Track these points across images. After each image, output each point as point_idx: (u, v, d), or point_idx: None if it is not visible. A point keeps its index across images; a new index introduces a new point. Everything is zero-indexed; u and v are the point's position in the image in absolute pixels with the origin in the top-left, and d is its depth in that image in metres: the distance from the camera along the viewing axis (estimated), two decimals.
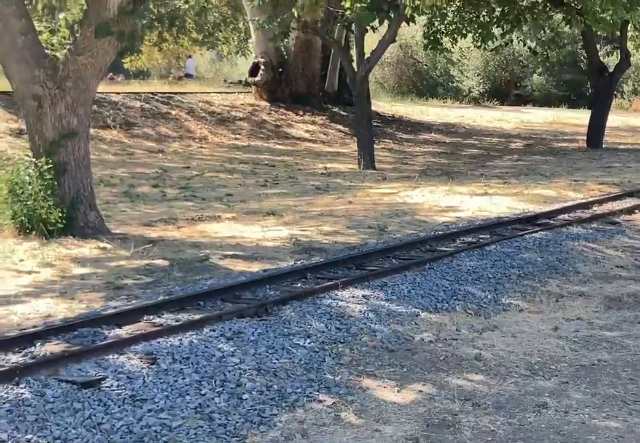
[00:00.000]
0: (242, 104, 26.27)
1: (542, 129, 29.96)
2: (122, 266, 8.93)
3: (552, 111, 36.10)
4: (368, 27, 18.74)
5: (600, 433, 5.07)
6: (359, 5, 17.15)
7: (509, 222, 11.16)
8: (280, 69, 26.65)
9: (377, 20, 17.94)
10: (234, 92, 28.04)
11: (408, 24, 19.18)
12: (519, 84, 42.57)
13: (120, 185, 15.47)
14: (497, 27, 22.42)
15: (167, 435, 4.88)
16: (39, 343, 5.97)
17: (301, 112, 26.24)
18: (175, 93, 25.98)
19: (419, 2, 15.75)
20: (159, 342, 6.01)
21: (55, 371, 5.45)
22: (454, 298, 7.87)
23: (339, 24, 20.23)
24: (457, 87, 42.53)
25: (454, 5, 21.75)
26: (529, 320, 7.42)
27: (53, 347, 5.93)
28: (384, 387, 5.74)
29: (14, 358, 5.72)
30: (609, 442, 4.96)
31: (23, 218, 10.04)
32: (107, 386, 5.32)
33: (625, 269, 9.22)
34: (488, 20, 22.17)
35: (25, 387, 5.17)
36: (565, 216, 11.79)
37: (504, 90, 42.13)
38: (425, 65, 42.60)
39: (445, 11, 21.41)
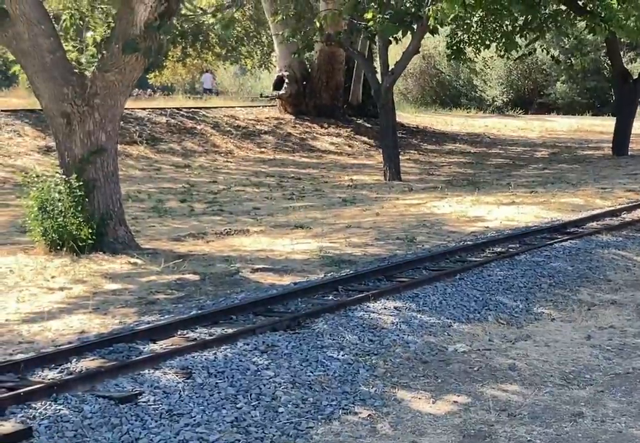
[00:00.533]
0: (267, 118, 26.41)
1: (566, 137, 29.89)
2: (153, 281, 8.97)
3: (576, 118, 36.02)
4: (391, 39, 18.79)
5: (637, 442, 5.04)
6: (381, 16, 17.25)
7: (537, 231, 11.15)
8: (305, 82, 26.79)
9: (400, 32, 18.04)
10: (259, 106, 28.23)
11: (433, 35, 19.22)
12: (542, 93, 42.48)
13: (148, 200, 15.59)
14: (520, 36, 22.40)
15: None
16: (74, 359, 6.01)
17: (326, 125, 26.34)
18: (200, 108, 26.18)
19: (440, 14, 15.80)
20: (193, 356, 6.03)
21: (92, 387, 5.48)
22: (486, 308, 7.85)
23: (362, 36, 20.29)
24: (480, 97, 42.54)
25: (477, 16, 21.71)
26: (562, 329, 7.38)
27: (89, 363, 5.96)
28: (419, 398, 5.73)
29: (51, 375, 5.76)
30: None
31: (54, 234, 10.13)
32: (143, 401, 5.33)
33: None
34: (511, 29, 22.13)
35: (63, 403, 5.20)
36: (594, 224, 11.78)
37: (528, 99, 42.07)
38: (448, 75, 42.64)
39: (468, 21, 21.45)
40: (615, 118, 24.68)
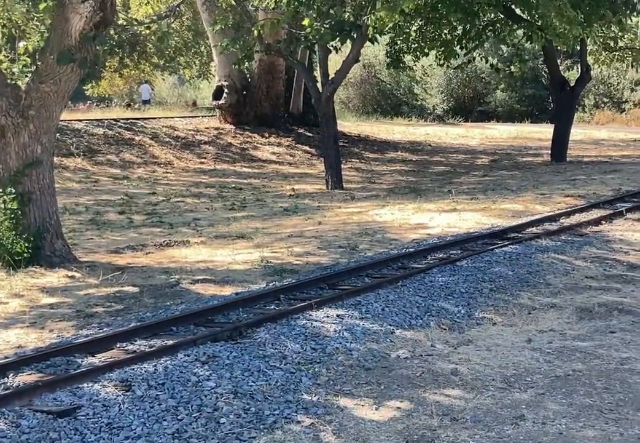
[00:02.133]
0: (207, 128, 26.36)
1: (506, 145, 30.27)
2: (91, 294, 8.89)
3: (515, 126, 36.54)
4: (331, 48, 18.89)
5: (578, 442, 5.12)
6: (319, 24, 17.33)
7: (478, 237, 11.24)
8: (244, 92, 26.80)
9: (339, 41, 18.13)
10: (198, 116, 28.15)
11: (372, 43, 19.36)
12: (482, 101, 43.07)
13: (86, 213, 15.44)
14: (458, 45, 22.66)
15: None
16: (11, 374, 5.95)
17: (267, 135, 26.36)
18: (138, 119, 26.05)
19: (379, 23, 15.94)
20: (133, 369, 5.98)
21: (30, 401, 5.43)
22: (428, 314, 7.88)
23: (301, 46, 20.35)
24: (421, 105, 42.97)
25: (416, 25, 21.94)
26: (503, 333, 7.43)
27: (26, 377, 5.91)
28: (362, 405, 5.74)
29: None
30: None
31: None
32: (83, 415, 5.28)
33: (595, 280, 9.27)
34: (450, 38, 22.38)
35: (1, 419, 5.14)
36: (534, 229, 11.90)
37: (468, 107, 42.61)
38: (389, 84, 42.99)
39: (407, 30, 21.65)
40: (553, 125, 25.04)
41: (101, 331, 7.21)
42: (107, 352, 6.48)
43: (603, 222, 12.49)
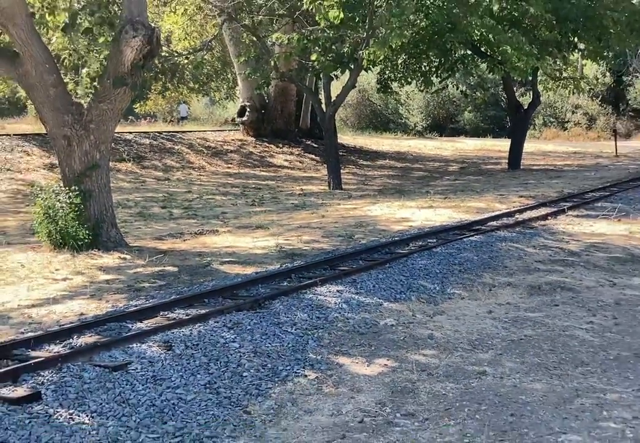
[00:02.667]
0: (233, 140, 26.25)
1: (472, 155, 30.15)
2: (139, 273, 8.88)
3: (480, 140, 36.40)
4: (333, 76, 18.86)
5: (528, 393, 5.12)
6: (323, 58, 17.30)
7: (450, 229, 11.17)
8: (263, 111, 26.70)
9: (340, 71, 18.09)
10: (226, 130, 28.03)
11: (367, 71, 19.29)
12: (453, 119, 42.92)
13: (135, 207, 15.38)
14: (435, 75, 22.62)
15: (183, 407, 4.86)
16: (75, 336, 5.95)
17: (281, 145, 26.26)
18: (177, 132, 25.96)
19: (373, 56, 15.91)
20: (173, 332, 5.99)
21: (90, 358, 5.43)
22: (410, 290, 7.86)
23: (309, 74, 20.30)
24: (405, 123, 42.80)
25: (401, 58, 21.88)
26: (469, 305, 7.43)
27: (87, 339, 5.91)
28: (357, 363, 5.75)
29: (56, 348, 5.70)
30: (535, 399, 5.01)
31: (57, 235, 9.96)
32: (133, 369, 5.30)
33: (543, 264, 9.24)
34: (428, 69, 22.31)
35: (66, 371, 5.15)
36: (494, 223, 11.82)
37: (442, 124, 42.44)
38: (379, 106, 42.80)
39: (394, 62, 21.59)
40: (510, 140, 24.97)
41: (147, 302, 7.19)
42: (152, 319, 6.46)
43: (549, 217, 12.44)
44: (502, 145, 29.36)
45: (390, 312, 7.10)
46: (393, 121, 42.92)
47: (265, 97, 26.81)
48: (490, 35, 17.58)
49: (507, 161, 24.56)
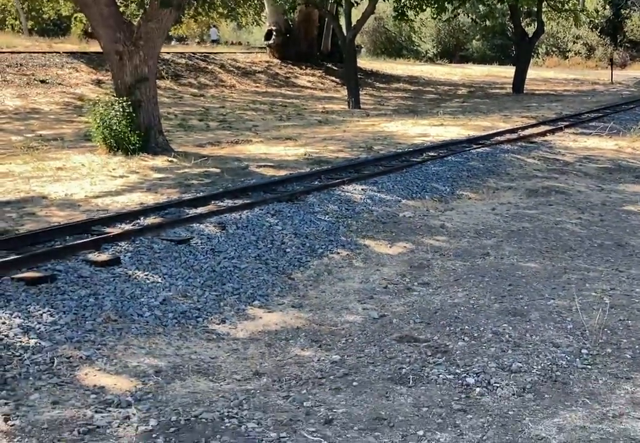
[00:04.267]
0: (260, 61, 26.04)
1: (480, 80, 29.80)
2: (187, 173, 9.17)
3: (487, 67, 35.81)
4: (353, 2, 18.61)
5: (524, 269, 5.59)
6: None
7: (459, 142, 11.37)
8: (288, 35, 26.31)
9: None
10: (253, 52, 27.76)
11: (385, 1, 19.01)
12: (462, 47, 42.10)
13: (175, 119, 15.54)
14: (448, 3, 22.15)
15: (238, 273, 5.36)
16: (142, 217, 6.35)
17: (304, 67, 26.04)
18: (210, 53, 25.74)
19: None
20: (225, 216, 6.40)
21: (158, 234, 5.86)
22: (424, 190, 8.20)
23: (331, 0, 20.00)
24: (417, 50, 42.05)
25: None
26: (475, 204, 7.81)
27: (153, 220, 6.31)
28: (380, 245, 6.20)
29: (127, 227, 6.11)
30: (529, 274, 5.47)
31: (111, 140, 10.25)
32: (194, 243, 5.75)
33: (540, 172, 9.55)
34: None
35: (139, 243, 5.60)
36: (499, 138, 12.00)
37: (452, 51, 41.67)
38: (394, 33, 41.98)
39: None
40: (515, 67, 24.70)
41: (199, 194, 7.52)
42: (205, 206, 6.83)
43: (548, 134, 12.62)
44: (508, 72, 28.98)
45: (408, 207, 7.48)
46: (406, 48, 42.16)
47: (290, 22, 26.43)
48: None
49: (511, 86, 24.38)
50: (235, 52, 26.96)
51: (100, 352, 3.98)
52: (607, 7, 38.79)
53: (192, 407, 3.47)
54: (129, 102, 10.26)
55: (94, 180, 8.55)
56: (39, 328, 4.11)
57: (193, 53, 24.71)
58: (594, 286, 5.21)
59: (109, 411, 3.37)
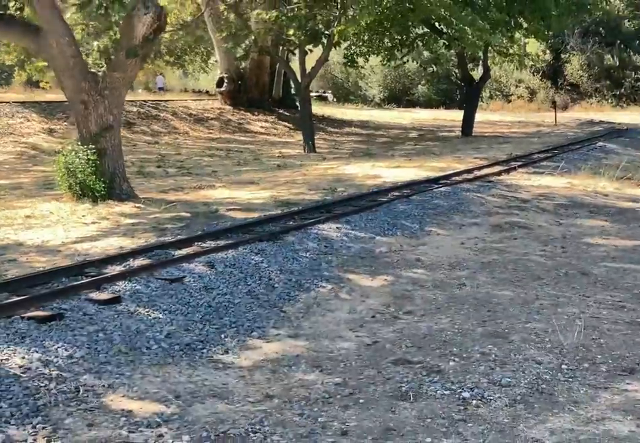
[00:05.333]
0: (212, 108, 26.66)
1: (429, 124, 30.96)
2: (158, 217, 9.41)
3: (433, 111, 37.26)
4: (307, 50, 19.49)
5: (499, 297, 6.14)
6: (299, 33, 17.95)
7: (421, 182, 11.98)
8: (239, 82, 27.09)
9: (314, 45, 18.74)
10: (205, 99, 28.40)
11: (335, 48, 19.93)
12: (408, 92, 43.76)
13: (133, 166, 15.68)
14: (397, 50, 23.35)
15: (233, 307, 5.75)
16: (131, 259, 6.69)
17: (256, 113, 26.76)
18: (161, 100, 26.25)
19: (343, 32, 16.64)
20: (212, 256, 6.77)
21: (151, 273, 6.22)
22: (395, 227, 8.71)
23: (285, 48, 20.86)
24: (364, 95, 43.55)
25: (367, 35, 22.53)
26: (445, 239, 8.36)
27: (142, 261, 6.64)
28: (362, 278, 6.66)
29: (119, 268, 6.43)
30: (505, 301, 6.03)
31: (77, 187, 10.47)
32: (187, 281, 6.13)
33: (501, 208, 10.20)
34: (392, 45, 23.03)
35: (135, 282, 5.95)
36: (457, 178, 12.67)
37: (398, 96, 43.24)
38: (340, 79, 43.46)
39: (362, 38, 22.25)
40: (463, 110, 25.88)
41: (179, 236, 7.83)
42: (189, 247, 7.18)
43: (503, 174, 13.33)
44: (454, 115, 30.26)
45: (382, 243, 7.99)
46: (353, 93, 43.64)
47: (242, 70, 27.26)
48: (448, 13, 18.40)
49: (460, 129, 25.47)
50: (186, 100, 27.55)
51: (119, 381, 4.32)
52: (548, 51, 41.26)
53: (218, 424, 3.84)
54: (94, 151, 10.54)
55: (66, 227, 8.74)
56: (57, 361, 4.42)
57: (144, 101, 25.17)
58: (566, 311, 5.79)
59: (141, 431, 3.72)
